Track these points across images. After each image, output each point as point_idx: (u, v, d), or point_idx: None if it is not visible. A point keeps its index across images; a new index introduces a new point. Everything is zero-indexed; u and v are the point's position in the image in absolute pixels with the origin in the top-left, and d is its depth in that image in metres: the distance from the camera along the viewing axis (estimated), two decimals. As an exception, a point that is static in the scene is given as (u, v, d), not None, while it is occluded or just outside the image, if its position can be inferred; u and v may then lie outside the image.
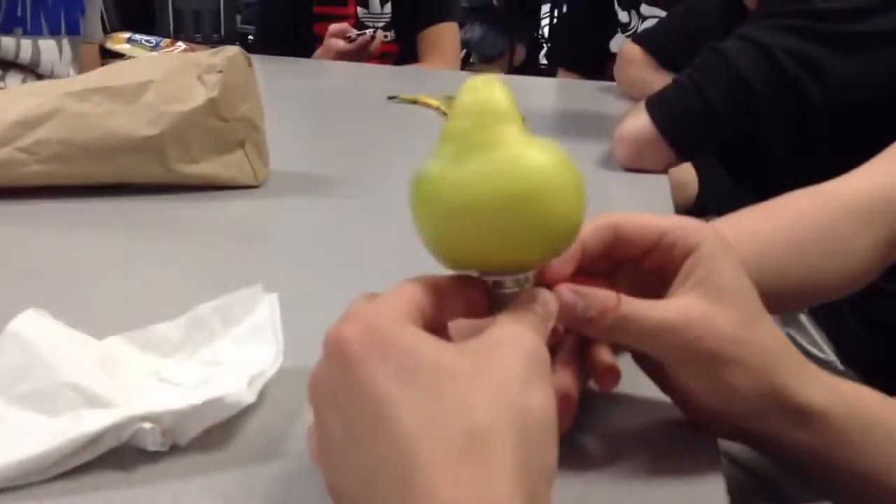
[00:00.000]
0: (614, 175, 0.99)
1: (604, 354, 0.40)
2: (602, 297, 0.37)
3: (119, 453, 0.38)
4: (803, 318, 1.13)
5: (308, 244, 0.71)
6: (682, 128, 0.98)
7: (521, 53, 5.16)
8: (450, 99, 1.26)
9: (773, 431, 0.39)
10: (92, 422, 0.37)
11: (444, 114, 1.23)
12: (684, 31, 1.41)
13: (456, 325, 0.39)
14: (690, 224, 0.40)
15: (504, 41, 4.96)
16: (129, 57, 1.41)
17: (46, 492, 0.36)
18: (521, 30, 5.21)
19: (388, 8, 1.90)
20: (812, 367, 0.40)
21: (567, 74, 1.94)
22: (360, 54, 1.76)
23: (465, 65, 4.87)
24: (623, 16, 1.84)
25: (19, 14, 1.36)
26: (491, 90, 0.34)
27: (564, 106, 1.52)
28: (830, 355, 1.12)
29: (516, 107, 0.34)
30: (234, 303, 0.46)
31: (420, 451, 0.27)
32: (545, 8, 5.60)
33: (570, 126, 1.34)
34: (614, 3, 1.85)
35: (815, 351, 1.12)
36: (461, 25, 1.99)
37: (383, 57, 1.90)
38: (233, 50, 0.81)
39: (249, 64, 0.82)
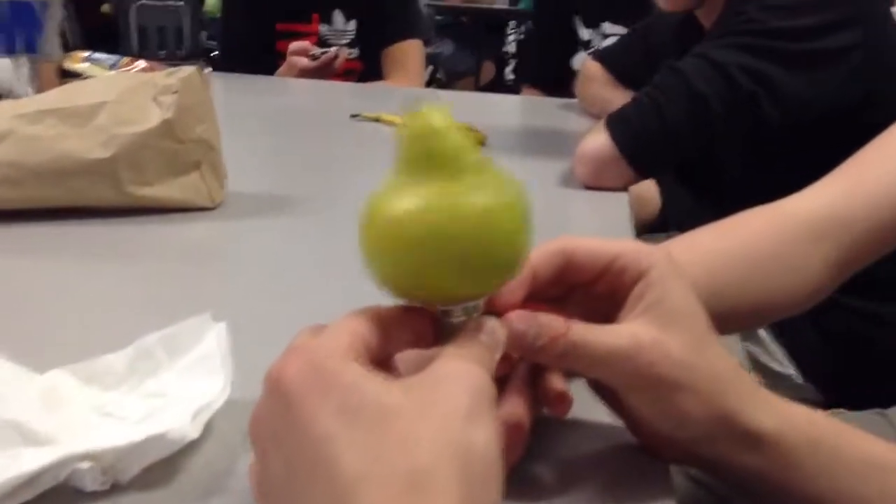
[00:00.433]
0: (575, 192, 0.99)
1: (555, 381, 0.40)
2: (552, 323, 0.37)
3: (58, 492, 0.36)
4: (762, 332, 1.14)
5: (264, 268, 0.70)
6: (641, 146, 0.99)
7: (489, 70, 5.19)
8: (412, 117, 1.26)
9: (724, 456, 0.39)
10: (29, 461, 0.36)
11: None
12: (643, 50, 1.42)
13: (405, 356, 0.38)
14: (641, 248, 0.40)
15: (473, 58, 4.99)
16: (88, 76, 1.39)
17: (-21, 535, 0.35)
18: (488, 47, 5.24)
19: (352, 25, 1.90)
20: (762, 392, 0.40)
21: (531, 91, 1.96)
22: (323, 72, 1.76)
23: (433, 81, 4.89)
24: (585, 33, 1.86)
25: (-26, 33, 1.34)
26: (436, 120, 0.33)
27: (527, 123, 1.53)
28: (790, 369, 1.12)
29: (463, 137, 0.34)
30: (181, 333, 0.45)
31: (361, 492, 0.26)
32: (512, 24, 5.65)
33: (532, 143, 1.34)
34: (576, 21, 1.86)
35: (774, 365, 1.13)
36: (429, 42, 1.99)
37: (347, 74, 1.89)
38: (188, 70, 0.80)
39: (206, 84, 0.81)
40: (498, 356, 0.35)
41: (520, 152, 1.23)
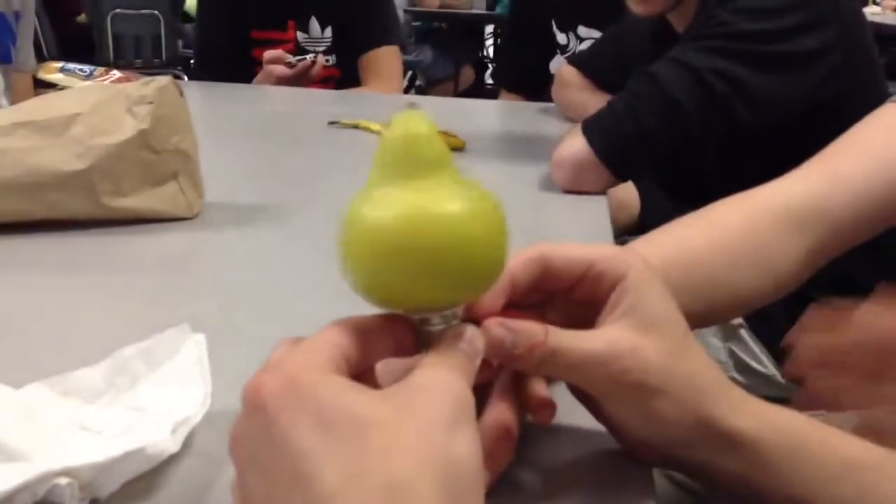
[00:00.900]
0: (554, 196, 0.99)
1: (538, 388, 0.40)
2: (530, 330, 0.37)
3: (35, 510, 0.36)
4: (743, 332, 1.15)
5: (243, 279, 0.69)
6: (617, 150, 1.00)
7: (468, 75, 5.20)
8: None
9: (704, 459, 0.39)
10: (6, 478, 0.35)
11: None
12: (617, 53, 1.43)
13: (386, 364, 0.38)
14: (618, 253, 0.40)
15: (451, 63, 5.00)
16: (63, 86, 1.38)
17: (-45, 556, 0.34)
18: (467, 52, 5.26)
19: (328, 32, 1.90)
20: (740, 394, 0.40)
21: (509, 96, 1.96)
22: (300, 80, 1.75)
23: (412, 87, 4.89)
24: (561, 38, 1.86)
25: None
26: (413, 129, 0.33)
27: (505, 128, 1.53)
28: (771, 369, 1.13)
29: (442, 145, 0.34)
30: (159, 345, 0.45)
31: None
32: (489, 28, 5.66)
33: (510, 148, 1.34)
34: (552, 25, 1.87)
35: (755, 365, 1.13)
36: (407, 49, 1.99)
37: (325, 81, 1.89)
38: (164, 80, 0.80)
39: (181, 94, 0.81)
40: (477, 364, 0.35)
41: (499, 157, 1.24)
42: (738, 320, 1.14)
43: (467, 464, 0.29)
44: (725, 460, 0.39)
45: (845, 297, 1.09)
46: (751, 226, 0.61)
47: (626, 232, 1.39)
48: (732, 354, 1.15)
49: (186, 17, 4.56)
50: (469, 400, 0.31)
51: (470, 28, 5.32)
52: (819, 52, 1.03)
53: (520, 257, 0.40)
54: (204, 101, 1.59)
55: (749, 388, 0.40)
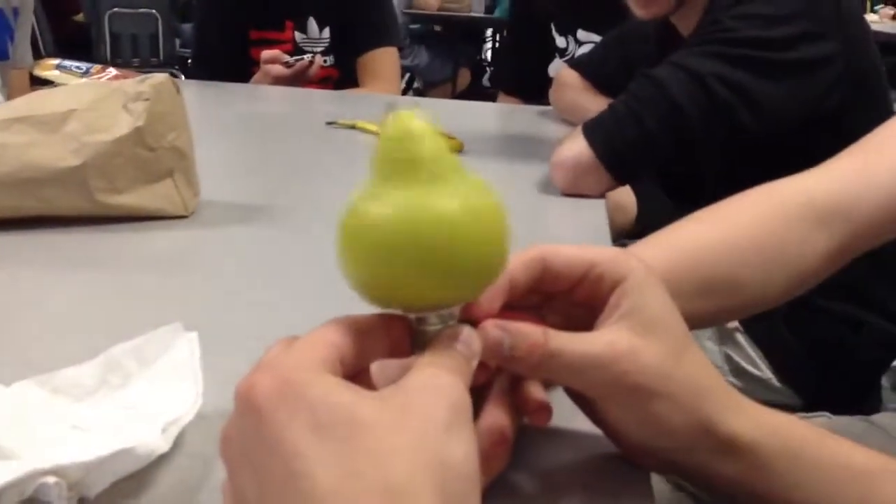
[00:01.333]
0: (552, 199, 0.99)
1: (535, 390, 0.39)
2: (529, 332, 0.36)
3: (23, 509, 0.35)
4: (739, 336, 1.15)
5: (238, 278, 0.69)
6: (618, 153, 0.99)
7: (466, 77, 5.21)
8: (389, 124, 1.25)
9: (704, 464, 0.39)
10: (-7, 476, 0.35)
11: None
12: (620, 56, 1.43)
13: (381, 365, 0.37)
14: (618, 255, 0.40)
15: (449, 66, 5.00)
16: (59, 83, 1.37)
17: (-61, 555, 0.33)
18: (465, 55, 5.26)
19: (326, 33, 1.89)
20: (740, 399, 0.39)
21: (507, 99, 1.96)
22: (298, 80, 1.75)
23: (410, 90, 4.89)
24: (560, 41, 1.86)
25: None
26: (412, 124, 0.33)
27: (504, 130, 1.53)
28: (767, 373, 1.13)
29: (441, 142, 0.33)
30: (151, 343, 0.44)
31: None
32: (488, 32, 5.67)
33: (509, 150, 1.34)
34: (552, 28, 1.87)
35: (751, 369, 1.13)
36: (405, 52, 1.99)
37: (323, 82, 1.88)
38: (160, 77, 0.79)
39: (178, 91, 0.80)
40: (474, 365, 0.34)
41: (497, 159, 1.23)
42: (735, 324, 1.14)
43: (464, 466, 0.28)
44: (724, 464, 0.38)
45: (845, 305, 1.09)
46: (770, 222, 0.59)
47: (623, 235, 1.39)
48: (728, 359, 1.14)
49: (184, 16, 4.55)
50: (466, 401, 0.30)
51: (468, 31, 5.32)
52: (822, 61, 1.02)
53: (519, 258, 0.40)
54: (201, 99, 1.59)
55: (745, 392, 0.40)
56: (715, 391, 0.38)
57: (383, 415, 0.28)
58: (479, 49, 5.69)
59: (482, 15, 5.20)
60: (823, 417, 0.86)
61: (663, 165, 1.04)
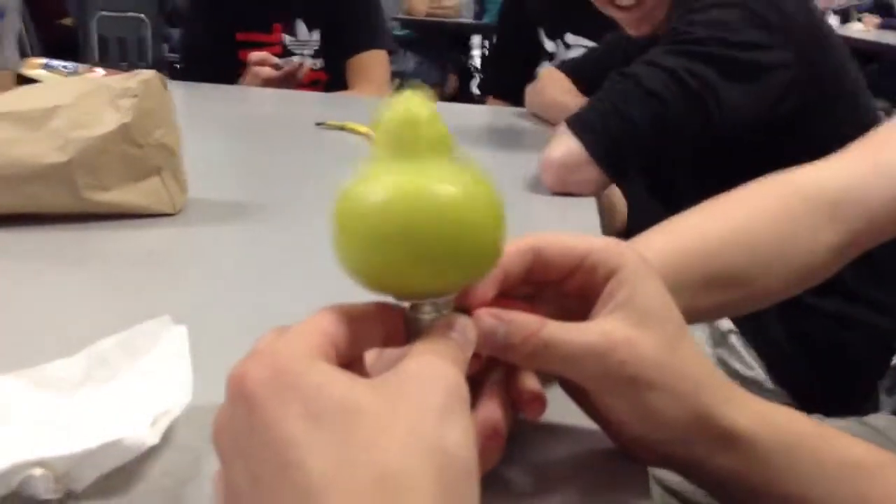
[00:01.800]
0: (542, 200, 0.99)
1: (529, 381, 0.39)
2: (524, 321, 0.36)
3: (10, 501, 0.34)
4: (733, 337, 1.15)
5: (225, 274, 0.68)
6: (606, 145, 0.99)
7: (453, 83, 5.21)
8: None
9: (701, 457, 0.38)
10: (-24, 470, 0.34)
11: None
12: (609, 63, 1.43)
13: (376, 354, 0.37)
14: (612, 245, 0.39)
15: (437, 72, 5.00)
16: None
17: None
18: (453, 61, 5.27)
19: (315, 35, 1.89)
20: (738, 391, 0.39)
21: (496, 103, 1.96)
22: (287, 82, 1.74)
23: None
24: (549, 45, 1.86)
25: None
26: (413, 109, 0.33)
27: (492, 132, 1.52)
28: (761, 373, 1.13)
29: (442, 126, 0.33)
30: (139, 336, 0.44)
31: (329, 498, 0.25)
32: (476, 39, 5.68)
33: (497, 151, 1.33)
34: (541, 32, 1.87)
35: (745, 370, 1.13)
36: (392, 54, 1.98)
37: (312, 84, 1.88)
38: (148, 73, 0.78)
39: (166, 88, 0.79)
40: (469, 354, 0.34)
41: (486, 161, 1.22)
42: (729, 326, 1.14)
43: (460, 452, 0.28)
44: (721, 457, 0.38)
45: (836, 302, 1.09)
46: (779, 214, 0.58)
47: (613, 237, 1.39)
48: (722, 363, 1.14)
49: (173, 20, 4.54)
50: (462, 389, 0.30)
51: (455, 37, 5.33)
52: (775, 66, 1.05)
53: (511, 247, 0.39)
54: (189, 100, 1.58)
55: None
56: (711, 382, 0.38)
57: (378, 402, 0.27)
58: (468, 55, 5.70)
59: (471, 21, 5.21)
60: (817, 419, 0.86)
61: (649, 158, 1.04)
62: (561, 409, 0.41)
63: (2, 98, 0.79)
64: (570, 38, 1.82)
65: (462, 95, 5.07)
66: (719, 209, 0.59)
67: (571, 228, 0.92)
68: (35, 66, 1.38)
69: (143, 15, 4.21)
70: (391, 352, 0.36)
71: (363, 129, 1.26)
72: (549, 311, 0.38)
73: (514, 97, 1.90)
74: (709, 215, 0.59)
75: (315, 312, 0.32)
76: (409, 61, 4.93)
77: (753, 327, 1.13)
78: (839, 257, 0.60)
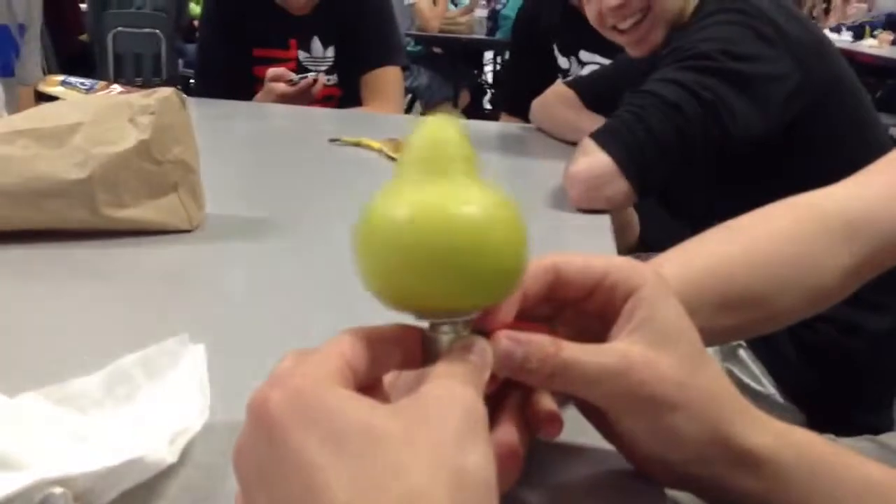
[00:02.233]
0: (557, 216, 0.99)
1: (545, 401, 0.39)
2: (542, 343, 0.36)
3: (28, 520, 0.35)
4: (742, 352, 1.14)
5: (242, 291, 0.68)
6: (635, 158, 0.99)
7: (465, 98, 5.23)
8: (393, 141, 1.25)
9: (720, 478, 0.38)
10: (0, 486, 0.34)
11: (388, 156, 1.22)
12: (618, 82, 1.43)
13: (397, 377, 0.37)
14: (632, 265, 0.40)
15: (449, 88, 5.02)
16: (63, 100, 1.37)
17: (-57, 566, 0.33)
18: (465, 76, 5.29)
19: (330, 52, 1.90)
20: (758, 412, 0.39)
21: (510, 119, 1.96)
22: (301, 98, 1.75)
23: (411, 111, 4.91)
24: (563, 62, 1.87)
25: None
26: (443, 130, 0.33)
27: (506, 148, 1.53)
28: (770, 388, 1.12)
29: (469, 149, 0.34)
30: (158, 355, 0.44)
31: None
32: (488, 55, 5.70)
33: (511, 168, 1.34)
34: (554, 49, 1.87)
35: (754, 385, 1.13)
36: (406, 70, 1.99)
37: (326, 100, 1.89)
38: (167, 91, 0.79)
39: (184, 105, 0.80)
40: (487, 376, 0.34)
41: (500, 178, 1.23)
42: (738, 340, 1.14)
43: (480, 475, 0.28)
44: (741, 478, 0.37)
45: (845, 310, 1.09)
46: (796, 237, 0.58)
47: (627, 255, 1.39)
48: (731, 375, 1.14)
49: (188, 36, 4.58)
50: (481, 412, 0.30)
51: (468, 53, 5.35)
52: (778, 76, 1.07)
53: (531, 267, 0.39)
54: (205, 116, 1.58)
55: None
56: (731, 403, 0.38)
57: (398, 426, 0.28)
58: (480, 71, 5.72)
59: (483, 37, 5.23)
60: (828, 438, 0.85)
61: (674, 172, 1.04)
62: (577, 430, 0.41)
63: (24, 115, 0.80)
64: (584, 55, 1.82)
65: (474, 111, 5.08)
66: (735, 231, 0.59)
67: (585, 245, 0.92)
68: (53, 84, 1.39)
69: (158, 31, 4.25)
70: (408, 374, 0.36)
71: (377, 145, 1.27)
72: (568, 332, 0.38)
73: (527, 114, 1.90)
74: (725, 237, 0.59)
75: (333, 335, 0.32)
76: (422, 77, 4.94)
77: (762, 341, 1.12)
78: (855, 278, 0.60)
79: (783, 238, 0.58)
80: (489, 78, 5.81)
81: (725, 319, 0.55)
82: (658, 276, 0.39)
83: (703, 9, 1.15)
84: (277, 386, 0.29)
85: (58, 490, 0.34)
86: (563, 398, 0.42)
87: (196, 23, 3.92)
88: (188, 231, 0.80)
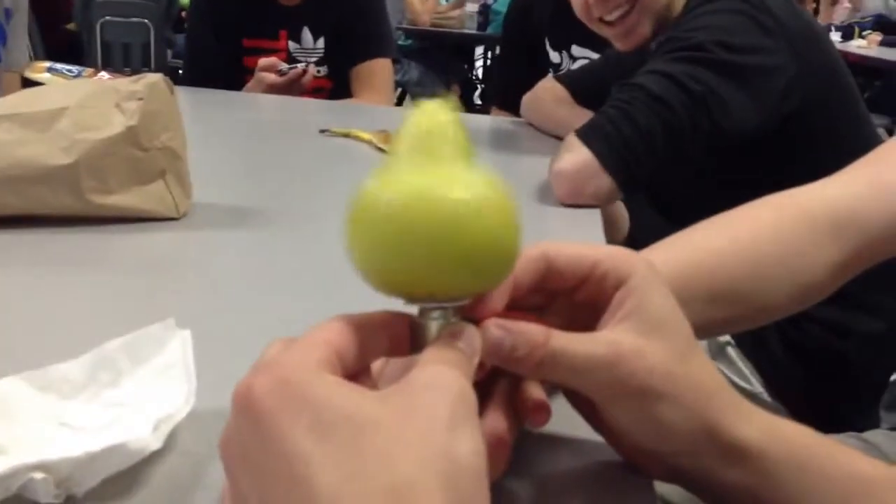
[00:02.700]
0: (546, 212, 0.98)
1: (533, 390, 0.38)
2: (531, 332, 0.35)
3: (9, 505, 0.34)
4: (731, 350, 1.14)
5: (229, 279, 0.68)
6: (619, 154, 0.99)
7: (455, 93, 5.21)
8: (383, 133, 1.25)
9: (709, 471, 0.38)
10: (-23, 472, 0.33)
11: (377, 148, 1.22)
12: (607, 76, 1.43)
13: (383, 364, 0.36)
14: (622, 254, 0.39)
15: (440, 82, 5.01)
16: (50, 86, 1.35)
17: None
18: (456, 71, 5.28)
19: (320, 43, 1.89)
20: (747, 404, 0.39)
21: (500, 113, 1.95)
22: (291, 88, 1.74)
23: (401, 104, 4.89)
24: (554, 56, 1.86)
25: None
26: (437, 114, 0.33)
27: (496, 142, 1.52)
28: (758, 387, 1.13)
29: (463, 134, 0.33)
30: (144, 340, 0.43)
31: None
32: (479, 50, 5.69)
33: (501, 162, 1.33)
34: (546, 44, 1.87)
35: (742, 383, 1.13)
36: (396, 63, 1.98)
37: (316, 92, 1.88)
38: (155, 77, 0.78)
39: (172, 91, 0.79)
40: (476, 363, 0.33)
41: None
42: (727, 338, 1.14)
43: (470, 462, 0.27)
44: (731, 471, 0.37)
45: (832, 310, 1.09)
46: (782, 231, 0.58)
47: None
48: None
49: (178, 26, 4.55)
50: (470, 398, 0.29)
51: (459, 47, 5.34)
52: (775, 68, 1.06)
53: (522, 256, 0.39)
54: (194, 106, 1.57)
55: None
56: (721, 395, 0.38)
57: (386, 414, 0.27)
58: (471, 66, 5.71)
59: (475, 31, 5.22)
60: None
61: (660, 167, 1.04)
62: (565, 421, 0.41)
63: (9, 99, 0.78)
64: (575, 49, 1.82)
65: (464, 106, 5.06)
66: (723, 226, 0.59)
67: (576, 239, 0.91)
68: (39, 70, 1.38)
69: (147, 20, 4.21)
70: (396, 361, 0.36)
71: (367, 136, 1.26)
72: (559, 322, 0.37)
73: (518, 108, 1.90)
74: (712, 232, 0.59)
75: (320, 322, 0.32)
76: (413, 71, 4.93)
77: (751, 339, 1.13)
78: (842, 274, 0.60)
79: (770, 233, 0.58)
80: (479, 73, 5.80)
81: (713, 313, 0.55)
82: (649, 265, 0.39)
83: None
84: (263, 374, 0.28)
85: (38, 476, 0.34)
86: (552, 388, 0.41)
87: (185, 13, 3.90)
88: (175, 219, 0.79)
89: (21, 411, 0.40)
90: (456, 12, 5.13)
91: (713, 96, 1.01)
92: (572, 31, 1.81)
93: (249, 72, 1.79)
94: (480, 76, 5.78)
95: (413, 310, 0.34)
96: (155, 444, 0.36)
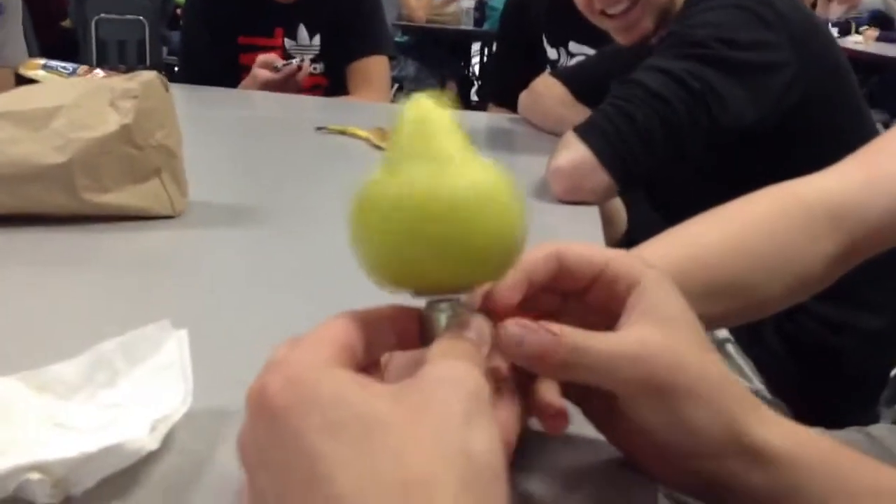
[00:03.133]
0: (545, 207, 0.98)
1: (551, 395, 0.38)
2: (552, 329, 0.35)
3: (4, 508, 0.34)
4: (730, 346, 1.14)
5: (226, 278, 0.67)
6: (616, 151, 0.98)
7: (452, 89, 5.21)
8: (380, 130, 1.24)
9: (730, 474, 0.37)
10: (-27, 473, 0.33)
11: (374, 145, 1.21)
12: (605, 72, 1.43)
13: (393, 357, 0.36)
14: (631, 257, 0.39)
15: (436, 79, 5.01)
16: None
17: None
18: (452, 68, 5.28)
19: (316, 40, 1.88)
20: (767, 409, 0.38)
21: (497, 110, 1.95)
22: (287, 85, 1.73)
23: (397, 100, 4.89)
24: (552, 53, 1.86)
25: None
26: (432, 105, 0.33)
27: (494, 139, 1.52)
28: (757, 384, 1.12)
29: (457, 127, 0.33)
30: (140, 340, 0.43)
31: None
32: (475, 46, 5.68)
33: (499, 159, 1.33)
34: (543, 40, 1.87)
35: (741, 380, 1.12)
36: (393, 60, 1.97)
37: (313, 89, 1.87)
38: (149, 75, 0.78)
39: (167, 89, 0.79)
40: (485, 352, 0.33)
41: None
42: (725, 334, 1.13)
43: (486, 456, 0.27)
44: (754, 476, 0.36)
45: (829, 306, 1.09)
46: (779, 223, 0.58)
47: (614, 248, 1.38)
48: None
49: (173, 23, 4.54)
50: (484, 391, 0.29)
51: (455, 44, 5.34)
52: (777, 64, 1.06)
53: (534, 254, 0.39)
54: (190, 103, 1.57)
55: None
56: (745, 398, 0.37)
57: (400, 410, 0.27)
58: (467, 62, 5.71)
59: (471, 28, 5.21)
60: (819, 431, 0.85)
61: (658, 164, 1.03)
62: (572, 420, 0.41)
63: (2, 98, 0.78)
64: (572, 46, 1.82)
65: (461, 103, 5.07)
66: (719, 219, 0.59)
67: (575, 236, 0.91)
68: (34, 67, 1.37)
69: (142, 17, 4.20)
70: (401, 355, 0.36)
71: (363, 133, 1.26)
72: (572, 325, 0.37)
73: (515, 104, 1.90)
74: (709, 225, 0.59)
75: (326, 318, 0.32)
76: (409, 68, 4.93)
77: (749, 335, 1.12)
78: (839, 266, 0.60)
79: (766, 226, 0.58)
80: (476, 70, 5.80)
81: (711, 306, 0.55)
82: (657, 268, 0.39)
83: None
84: (274, 373, 0.28)
85: (35, 476, 0.33)
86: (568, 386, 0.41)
87: (180, 10, 3.88)
88: (171, 217, 0.78)
89: (17, 412, 0.39)
90: (451, 8, 5.13)
91: (712, 93, 1.00)
92: (569, 28, 1.81)
93: (245, 69, 1.78)
94: (477, 73, 5.77)
95: (420, 303, 0.34)
96: (152, 444, 0.36)
